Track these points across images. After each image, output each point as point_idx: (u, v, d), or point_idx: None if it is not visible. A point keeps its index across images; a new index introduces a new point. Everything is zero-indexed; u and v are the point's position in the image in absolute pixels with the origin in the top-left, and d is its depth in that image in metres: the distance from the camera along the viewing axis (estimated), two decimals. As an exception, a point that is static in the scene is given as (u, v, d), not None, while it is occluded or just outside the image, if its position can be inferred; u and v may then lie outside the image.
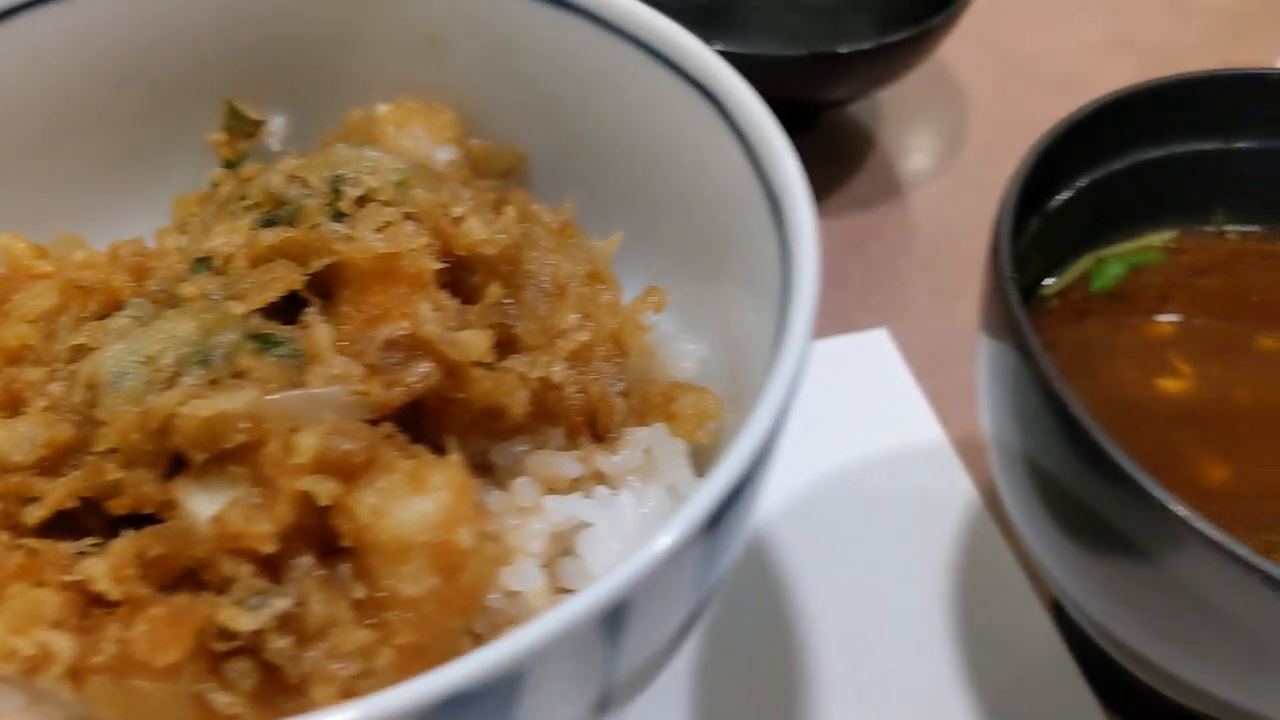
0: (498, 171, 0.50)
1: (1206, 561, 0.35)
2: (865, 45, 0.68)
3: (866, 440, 0.61)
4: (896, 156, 0.78)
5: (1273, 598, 0.34)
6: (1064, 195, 0.49)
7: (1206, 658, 0.38)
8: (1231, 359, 0.48)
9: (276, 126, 0.52)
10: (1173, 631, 0.39)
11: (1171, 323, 0.49)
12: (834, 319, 0.66)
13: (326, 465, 0.34)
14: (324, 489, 0.34)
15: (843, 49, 0.68)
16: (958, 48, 0.84)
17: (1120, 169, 0.51)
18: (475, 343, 0.38)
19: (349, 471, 0.35)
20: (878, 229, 0.73)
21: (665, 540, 0.29)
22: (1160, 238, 0.53)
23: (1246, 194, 0.53)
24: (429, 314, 0.38)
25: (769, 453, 0.32)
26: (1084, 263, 0.51)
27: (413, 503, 0.35)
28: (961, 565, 0.56)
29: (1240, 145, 0.52)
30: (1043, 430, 0.39)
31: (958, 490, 0.58)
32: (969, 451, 0.60)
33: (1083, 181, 0.50)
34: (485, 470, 0.42)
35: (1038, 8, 0.92)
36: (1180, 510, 0.35)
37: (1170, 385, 0.47)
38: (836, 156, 0.78)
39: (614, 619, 0.29)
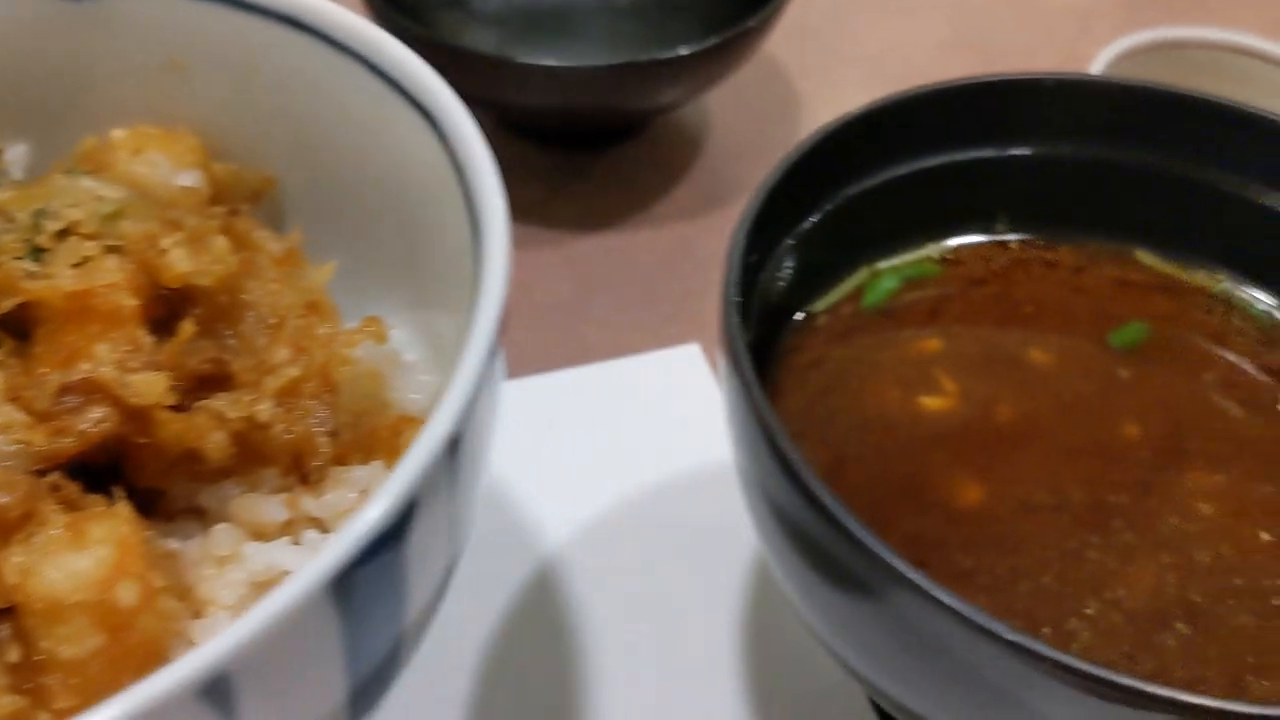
0: (244, 197, 0.48)
1: (913, 605, 0.34)
2: (683, 51, 0.67)
3: (673, 458, 0.59)
4: (725, 162, 0.77)
5: (970, 637, 0.32)
6: (830, 207, 0.48)
7: (927, 693, 0.37)
8: (999, 373, 0.47)
9: (17, 155, 0.50)
10: (892, 666, 0.37)
11: (941, 338, 0.48)
12: (647, 333, 0.65)
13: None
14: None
15: (661, 55, 0.67)
16: (793, 47, 0.83)
17: (895, 178, 0.50)
18: (152, 385, 0.36)
19: (1, 528, 0.33)
20: (699, 239, 0.71)
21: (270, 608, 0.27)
22: (938, 249, 0.51)
23: (1027, 202, 0.51)
24: (106, 355, 0.36)
25: (425, 484, 0.30)
26: (858, 277, 0.50)
27: (66, 559, 0.33)
28: (756, 587, 0.54)
29: (1017, 152, 0.51)
30: (757, 459, 0.38)
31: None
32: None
33: (852, 191, 0.48)
34: (195, 514, 0.40)
35: (878, 7, 0.91)
36: (883, 553, 0.33)
37: (932, 403, 0.46)
38: (666, 163, 0.76)
39: (218, 689, 0.27)
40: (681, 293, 0.68)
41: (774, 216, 0.44)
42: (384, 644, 0.33)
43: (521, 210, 0.71)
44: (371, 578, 0.29)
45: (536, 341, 0.65)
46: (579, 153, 0.77)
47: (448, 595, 0.39)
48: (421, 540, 0.31)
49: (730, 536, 0.55)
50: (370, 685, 0.34)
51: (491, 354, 0.33)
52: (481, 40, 0.78)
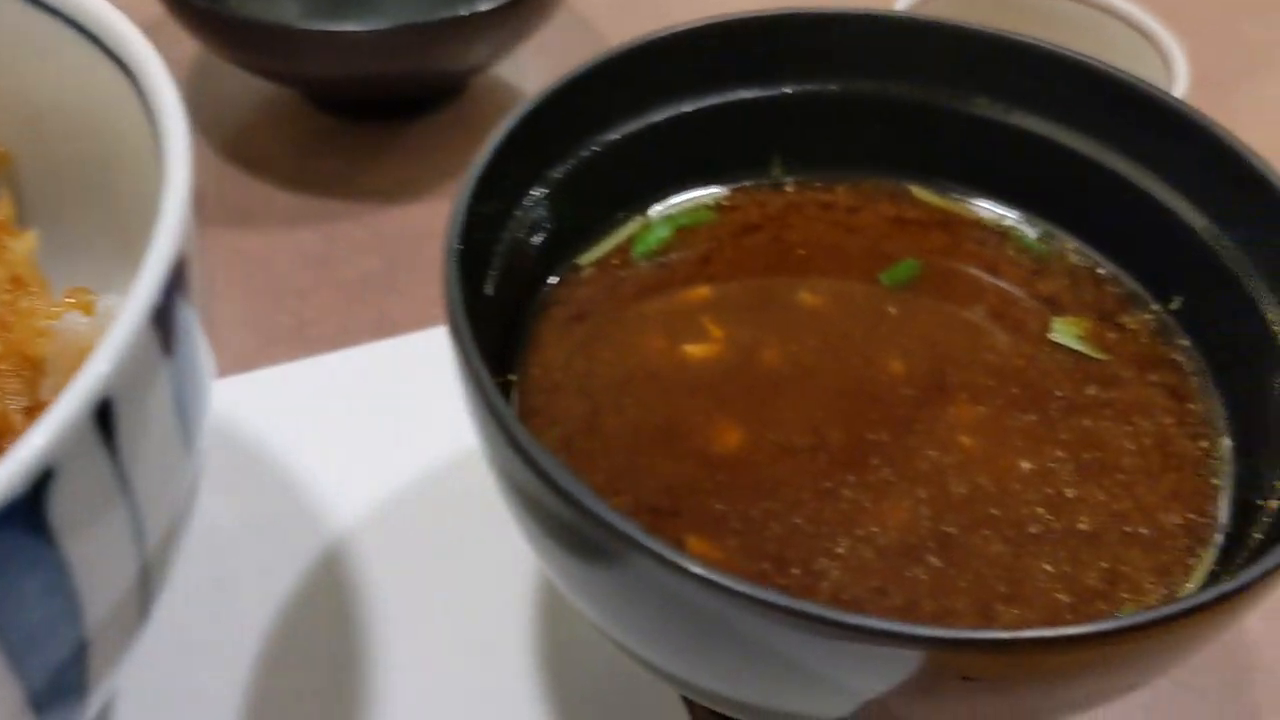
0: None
1: (641, 564, 0.32)
2: (482, 8, 0.65)
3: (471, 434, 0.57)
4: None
5: (701, 594, 0.31)
6: (587, 154, 0.46)
7: (690, 660, 0.35)
8: (767, 318, 0.46)
9: None
10: (651, 637, 0.35)
11: (711, 285, 0.47)
12: (421, 314, 0.63)
13: None
14: None
15: (452, 14, 0.65)
16: None
17: (661, 121, 0.48)
18: None
19: None
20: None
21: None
22: (714, 196, 0.50)
23: (802, 143, 0.50)
24: None
25: (61, 454, 0.28)
26: (631, 227, 0.49)
27: None
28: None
29: (788, 90, 0.49)
30: (476, 418, 0.36)
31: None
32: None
33: (613, 137, 0.47)
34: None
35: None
36: (591, 504, 0.32)
37: (696, 351, 0.44)
38: (480, 128, 0.74)
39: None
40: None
41: (518, 165, 0.43)
42: (57, 636, 0.31)
43: (324, 185, 0.69)
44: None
45: (339, 318, 0.63)
46: (393, 122, 0.74)
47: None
48: (73, 520, 0.29)
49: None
50: (56, 689, 0.32)
51: (156, 313, 0.30)
52: (287, 15, 0.76)
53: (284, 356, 0.60)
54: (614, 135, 0.47)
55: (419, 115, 0.74)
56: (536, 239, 0.45)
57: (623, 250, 0.48)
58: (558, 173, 0.45)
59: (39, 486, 0.27)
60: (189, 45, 0.74)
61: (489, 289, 0.40)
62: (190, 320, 0.34)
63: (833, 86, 0.49)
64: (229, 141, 0.74)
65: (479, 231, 0.40)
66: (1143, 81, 0.45)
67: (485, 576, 0.51)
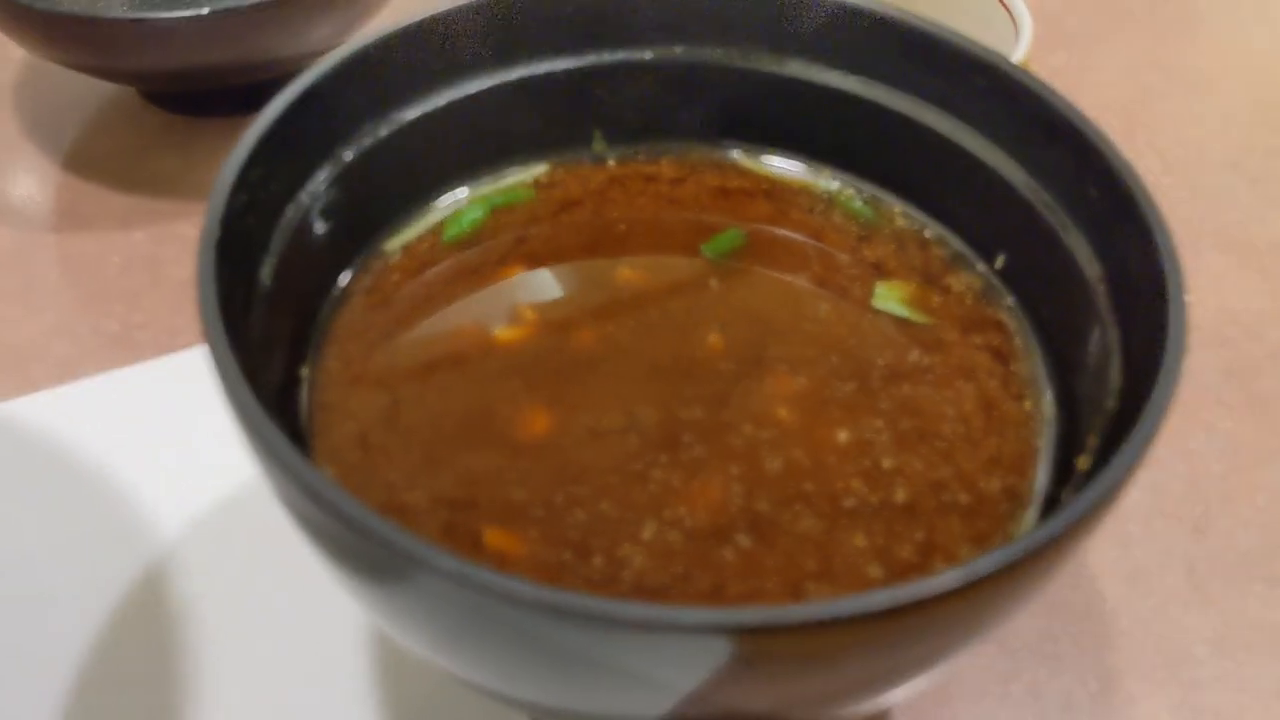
0: None
1: (419, 573, 0.29)
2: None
3: None
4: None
5: (470, 593, 0.29)
6: (384, 134, 0.44)
7: (489, 666, 0.33)
8: (583, 297, 0.44)
9: None
10: (453, 652, 0.33)
11: (525, 265, 0.45)
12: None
13: None
14: None
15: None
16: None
17: (469, 96, 0.46)
18: None
19: None
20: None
21: None
22: (531, 173, 0.48)
23: (622, 116, 0.48)
24: None
25: None
26: (441, 209, 0.46)
27: None
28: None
29: (605, 60, 0.47)
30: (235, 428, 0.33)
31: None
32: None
33: (411, 115, 0.44)
34: None
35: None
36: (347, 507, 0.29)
37: (506, 334, 0.42)
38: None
39: None
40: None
41: (301, 143, 0.40)
42: None
43: (155, 185, 0.66)
44: None
45: (168, 321, 0.60)
46: (234, 117, 0.71)
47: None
48: None
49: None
50: None
51: None
52: (113, 9, 0.72)
53: (109, 364, 0.57)
54: (414, 112, 0.45)
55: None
56: (329, 223, 0.42)
57: (433, 234, 0.45)
58: (349, 153, 0.43)
59: None
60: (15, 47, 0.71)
61: (265, 278, 0.38)
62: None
63: (647, 54, 0.47)
64: (64, 145, 0.71)
65: (252, 216, 0.37)
66: (958, 36, 0.43)
67: (314, 593, 0.49)
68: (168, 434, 0.54)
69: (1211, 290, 0.64)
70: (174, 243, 0.63)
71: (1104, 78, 0.81)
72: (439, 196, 0.46)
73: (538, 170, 0.48)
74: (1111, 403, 0.35)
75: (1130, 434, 0.30)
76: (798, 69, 0.46)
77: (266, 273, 0.38)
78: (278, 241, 0.39)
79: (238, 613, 0.48)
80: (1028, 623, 0.49)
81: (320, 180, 0.42)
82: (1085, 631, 0.50)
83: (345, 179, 0.43)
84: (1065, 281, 0.40)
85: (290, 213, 0.40)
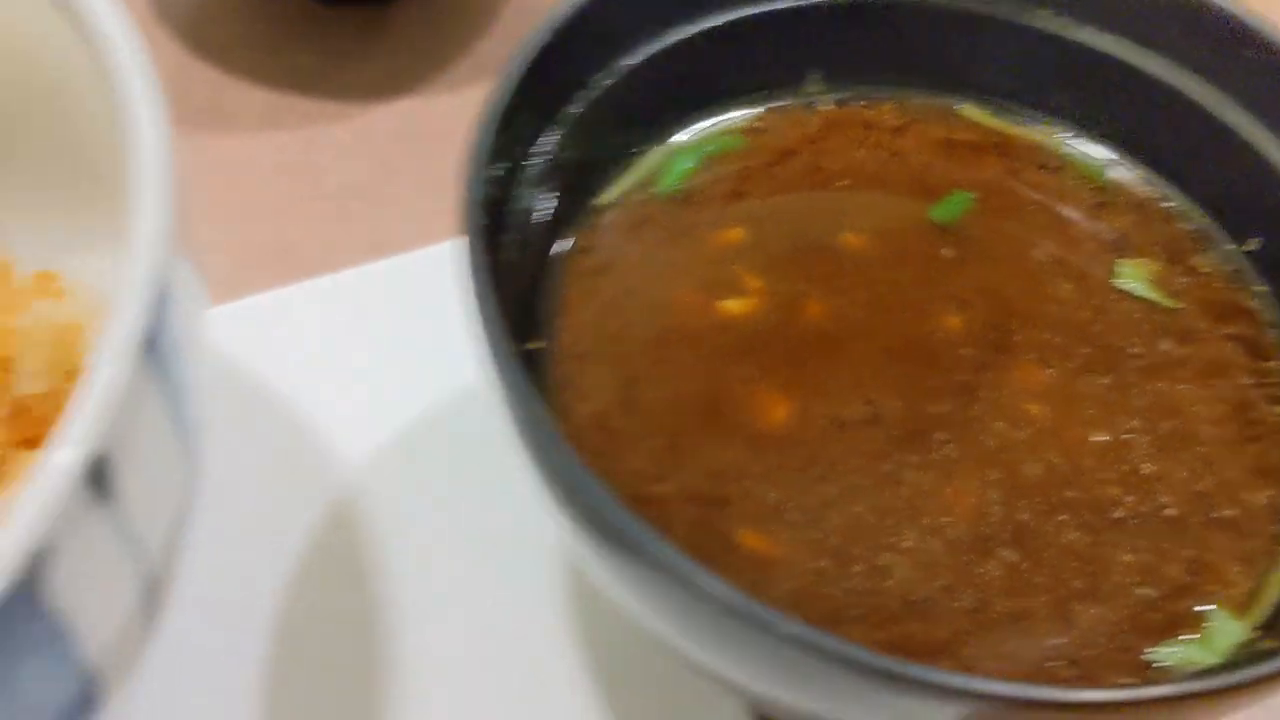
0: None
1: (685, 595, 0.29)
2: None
3: (460, 375, 0.52)
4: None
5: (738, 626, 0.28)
6: (608, 81, 0.41)
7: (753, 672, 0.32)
8: (809, 264, 0.42)
9: None
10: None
11: (744, 225, 0.43)
12: (427, 225, 0.58)
13: None
14: None
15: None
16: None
17: (684, 40, 0.43)
18: None
19: None
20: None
21: None
22: (743, 119, 0.45)
23: (841, 56, 0.45)
24: None
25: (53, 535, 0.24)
26: (652, 159, 0.44)
27: None
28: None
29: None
30: (504, 406, 0.32)
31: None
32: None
33: (631, 61, 0.42)
34: None
35: None
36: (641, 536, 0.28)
37: (733, 306, 0.40)
38: (469, 10, 0.68)
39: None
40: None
41: (531, 106, 0.38)
42: (64, 686, 0.28)
43: (300, 82, 0.64)
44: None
45: (328, 233, 0.58)
46: (367, 7, 0.68)
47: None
48: (74, 588, 0.25)
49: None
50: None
51: (146, 343, 0.26)
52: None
53: (265, 283, 0.55)
54: (633, 59, 0.42)
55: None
56: (554, 186, 0.40)
57: (645, 186, 0.43)
58: (575, 108, 0.40)
59: (35, 571, 0.24)
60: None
61: (509, 254, 0.36)
62: (182, 325, 0.30)
63: (877, -6, 0.44)
64: (188, 27, 0.67)
65: (494, 189, 0.35)
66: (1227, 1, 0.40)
67: (508, 532, 0.48)
68: (335, 360, 0.53)
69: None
70: (326, 149, 0.61)
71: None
72: (647, 146, 0.44)
73: (749, 114, 0.45)
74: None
75: None
76: (1045, 20, 0.43)
77: (509, 251, 0.37)
78: (515, 214, 0.37)
79: (429, 553, 0.48)
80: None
81: (547, 142, 0.39)
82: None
83: (569, 137, 0.40)
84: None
85: (522, 181, 0.38)
